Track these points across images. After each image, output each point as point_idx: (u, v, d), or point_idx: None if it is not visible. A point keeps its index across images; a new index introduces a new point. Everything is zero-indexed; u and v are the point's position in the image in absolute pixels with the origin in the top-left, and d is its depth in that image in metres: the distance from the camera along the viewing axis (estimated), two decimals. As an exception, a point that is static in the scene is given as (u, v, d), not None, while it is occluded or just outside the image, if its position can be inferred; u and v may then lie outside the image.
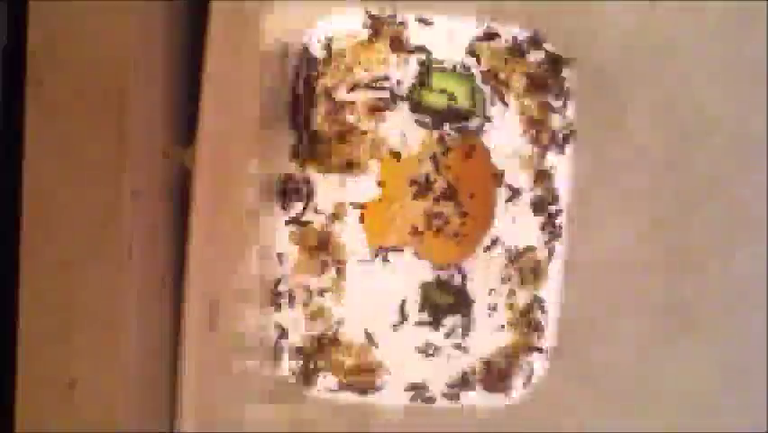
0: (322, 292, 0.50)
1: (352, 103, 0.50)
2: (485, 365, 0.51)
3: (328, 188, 0.50)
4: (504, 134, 0.51)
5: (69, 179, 0.33)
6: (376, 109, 0.50)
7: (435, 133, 0.50)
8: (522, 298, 0.51)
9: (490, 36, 0.51)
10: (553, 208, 0.52)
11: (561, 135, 0.52)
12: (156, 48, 0.37)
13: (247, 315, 0.46)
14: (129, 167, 0.33)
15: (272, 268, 0.50)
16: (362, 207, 0.50)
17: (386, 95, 0.50)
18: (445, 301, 0.51)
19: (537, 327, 0.52)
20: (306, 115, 0.49)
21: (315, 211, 0.50)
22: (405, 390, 0.51)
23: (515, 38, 0.51)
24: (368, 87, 0.50)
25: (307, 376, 0.50)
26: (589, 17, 0.47)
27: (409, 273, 0.51)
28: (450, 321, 0.51)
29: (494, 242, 0.51)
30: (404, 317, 0.51)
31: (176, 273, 0.36)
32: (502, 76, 0.51)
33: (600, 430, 0.42)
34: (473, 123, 0.51)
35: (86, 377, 0.33)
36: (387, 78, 0.50)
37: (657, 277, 0.43)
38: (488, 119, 0.51)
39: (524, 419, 0.50)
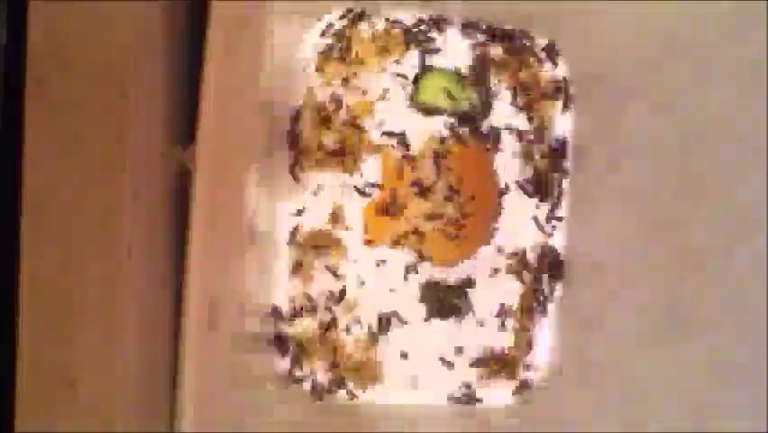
0: (323, 293, 0.50)
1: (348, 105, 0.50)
2: (485, 364, 0.51)
3: (328, 189, 0.50)
4: (504, 134, 0.51)
5: (69, 179, 0.33)
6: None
7: (437, 134, 0.50)
8: (522, 297, 0.52)
9: (489, 36, 0.51)
10: (552, 208, 0.52)
11: (560, 134, 0.52)
12: (156, 48, 0.37)
13: (247, 315, 0.46)
14: (129, 167, 0.34)
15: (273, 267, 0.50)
16: (363, 207, 0.50)
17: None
18: (446, 301, 0.51)
19: (537, 326, 0.52)
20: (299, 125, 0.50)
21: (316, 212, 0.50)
22: (404, 389, 0.51)
23: (514, 39, 0.51)
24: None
25: (307, 372, 0.50)
26: (588, 18, 0.47)
27: (410, 273, 0.51)
28: (450, 321, 0.51)
29: (494, 242, 0.51)
30: (404, 316, 0.51)
31: (176, 273, 0.36)
32: (503, 77, 0.51)
33: (600, 430, 0.42)
34: (474, 124, 0.51)
35: (86, 377, 0.33)
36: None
37: (657, 277, 0.43)
38: (487, 119, 0.51)
39: (524, 419, 0.50)
